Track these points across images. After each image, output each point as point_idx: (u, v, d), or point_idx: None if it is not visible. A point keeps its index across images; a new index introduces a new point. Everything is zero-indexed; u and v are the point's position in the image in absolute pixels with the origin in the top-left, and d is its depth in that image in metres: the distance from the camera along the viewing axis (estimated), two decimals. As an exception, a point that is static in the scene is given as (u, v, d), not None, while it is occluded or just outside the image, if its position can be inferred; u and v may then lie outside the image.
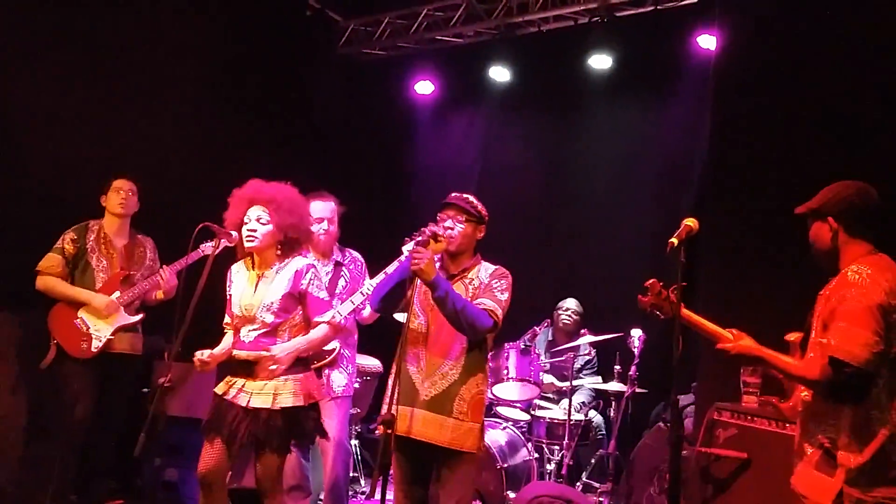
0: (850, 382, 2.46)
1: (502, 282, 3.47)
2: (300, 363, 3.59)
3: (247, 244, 3.59)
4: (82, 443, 4.43)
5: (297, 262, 3.63)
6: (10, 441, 4.64)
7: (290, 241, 3.63)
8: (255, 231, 3.56)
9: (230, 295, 3.70)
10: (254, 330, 3.55)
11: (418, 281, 3.30)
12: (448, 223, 3.42)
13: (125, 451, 4.20)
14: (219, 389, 3.59)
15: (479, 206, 3.52)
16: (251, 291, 3.60)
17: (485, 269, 3.53)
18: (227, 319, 3.74)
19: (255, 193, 3.61)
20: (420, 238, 3.25)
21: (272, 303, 3.53)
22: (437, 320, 3.37)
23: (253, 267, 3.69)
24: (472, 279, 3.47)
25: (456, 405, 3.31)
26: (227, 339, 3.71)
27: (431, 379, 3.33)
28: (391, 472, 3.24)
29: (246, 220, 3.59)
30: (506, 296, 3.44)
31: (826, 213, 2.69)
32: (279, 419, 3.46)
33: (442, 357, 3.35)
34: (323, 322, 3.56)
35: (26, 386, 4.71)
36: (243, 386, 3.52)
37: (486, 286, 3.44)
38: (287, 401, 3.48)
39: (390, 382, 3.28)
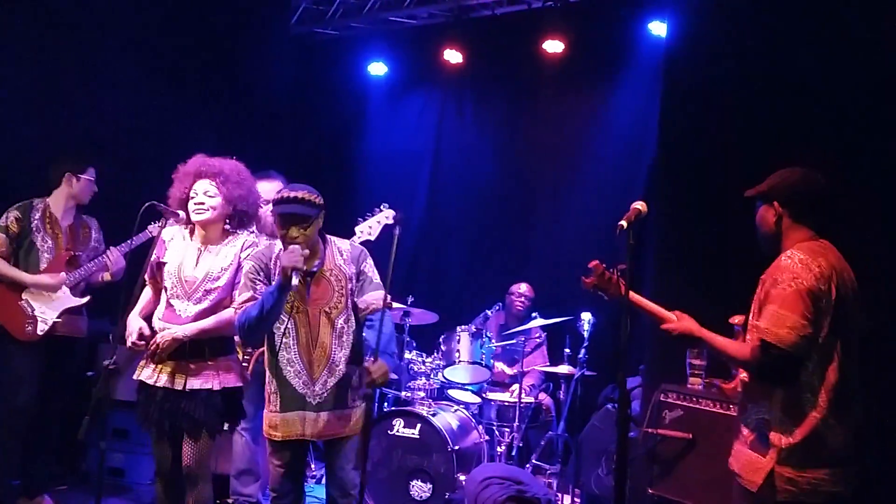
0: (777, 365, 2.52)
1: (368, 262, 3.44)
2: (229, 344, 3.56)
3: (196, 217, 3.51)
4: (25, 427, 4.33)
5: (245, 237, 3.59)
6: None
7: (239, 213, 3.57)
8: (203, 204, 3.49)
9: (162, 260, 3.57)
10: (196, 304, 3.45)
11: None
12: (293, 232, 3.19)
13: (69, 435, 4.11)
14: (144, 376, 3.47)
15: (316, 198, 3.28)
16: (192, 263, 3.51)
17: (338, 253, 3.41)
18: (147, 276, 3.61)
19: (201, 167, 3.55)
20: (293, 283, 3.08)
21: (218, 276, 3.47)
22: (304, 321, 3.29)
23: (191, 238, 3.60)
24: (332, 269, 3.35)
25: (350, 396, 3.34)
26: (146, 297, 3.61)
27: (320, 381, 3.28)
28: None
29: (193, 194, 3.51)
30: (376, 273, 3.44)
31: (772, 197, 2.74)
32: (219, 400, 3.43)
33: (326, 356, 3.29)
34: (237, 304, 3.35)
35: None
36: (174, 369, 3.44)
37: (359, 275, 3.38)
38: (230, 381, 3.47)
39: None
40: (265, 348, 3.40)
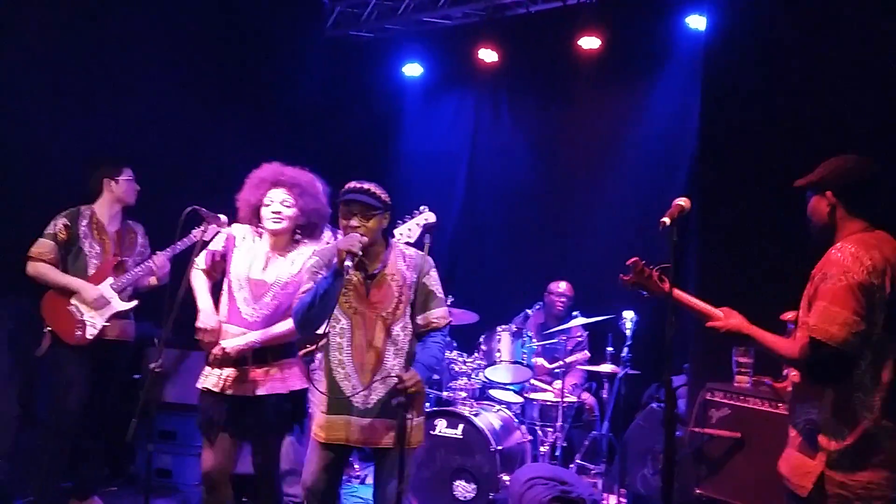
0: (828, 363, 2.42)
1: (432, 274, 3.35)
2: (290, 347, 3.59)
3: (271, 226, 3.54)
4: (75, 430, 4.40)
5: (313, 246, 3.59)
6: (2, 429, 4.61)
7: (310, 225, 3.60)
8: (279, 213, 3.53)
9: (228, 253, 3.60)
10: (262, 309, 3.50)
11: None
12: (354, 222, 3.15)
13: (118, 438, 4.18)
14: (209, 384, 3.49)
15: (383, 195, 3.26)
16: (261, 266, 3.54)
17: (402, 258, 3.34)
18: (203, 265, 3.63)
19: (279, 176, 3.58)
20: (346, 264, 3.01)
21: (287, 283, 3.50)
22: (360, 322, 3.22)
23: (260, 242, 3.63)
24: (393, 275, 3.27)
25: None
26: (208, 315, 3.55)
27: (372, 386, 3.19)
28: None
29: (268, 201, 3.54)
30: (440, 286, 3.37)
31: (825, 186, 2.62)
32: (288, 403, 3.48)
33: (378, 361, 3.21)
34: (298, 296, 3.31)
35: (17, 374, 4.67)
36: (239, 376, 3.46)
37: (420, 286, 3.29)
38: (296, 383, 3.52)
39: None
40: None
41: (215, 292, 3.64)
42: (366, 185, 3.21)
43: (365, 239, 3.11)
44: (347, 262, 2.98)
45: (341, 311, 3.22)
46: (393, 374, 3.18)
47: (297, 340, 3.66)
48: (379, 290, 3.24)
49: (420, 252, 3.41)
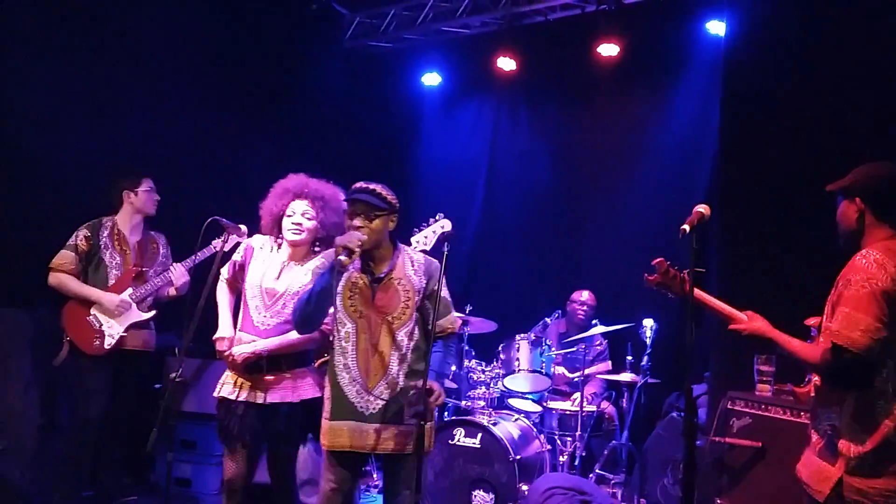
0: (849, 369, 2.43)
1: (442, 280, 3.26)
2: (306, 356, 3.60)
3: (290, 237, 3.58)
4: (95, 439, 4.44)
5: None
6: (24, 438, 4.66)
7: (329, 238, 3.59)
8: (300, 225, 3.56)
9: (245, 263, 3.65)
10: (274, 317, 3.52)
11: (339, 286, 3.19)
12: (357, 221, 3.12)
13: (138, 447, 4.21)
14: (225, 392, 3.53)
15: (389, 196, 3.20)
16: (274, 275, 3.56)
17: (410, 262, 3.30)
18: (226, 275, 3.69)
19: (303, 188, 3.61)
20: (339, 259, 2.97)
21: (299, 292, 3.47)
22: (366, 326, 3.17)
23: (277, 251, 3.66)
24: (401, 279, 3.23)
25: (406, 411, 3.16)
26: (225, 298, 3.66)
27: (377, 390, 3.15)
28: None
29: (290, 212, 3.58)
30: (447, 291, 3.33)
31: (855, 192, 2.63)
32: (300, 412, 3.48)
33: (383, 365, 3.17)
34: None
35: (40, 383, 4.73)
36: (254, 384, 3.50)
37: (434, 294, 3.24)
38: (308, 392, 3.51)
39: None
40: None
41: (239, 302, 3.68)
42: (371, 186, 3.18)
43: (364, 237, 3.06)
44: (342, 257, 2.95)
45: (347, 315, 3.19)
46: (399, 381, 3.16)
47: (314, 350, 3.66)
48: (385, 294, 3.20)
49: (429, 257, 3.38)
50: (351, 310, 3.19)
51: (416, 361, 3.21)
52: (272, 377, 3.50)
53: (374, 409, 3.15)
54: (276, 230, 3.64)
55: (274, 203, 3.63)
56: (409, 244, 4.46)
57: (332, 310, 3.22)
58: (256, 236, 3.72)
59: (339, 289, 3.20)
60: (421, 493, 3.08)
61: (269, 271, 3.59)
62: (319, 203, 3.58)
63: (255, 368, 3.50)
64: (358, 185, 3.20)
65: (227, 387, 3.54)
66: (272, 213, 3.63)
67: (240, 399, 3.49)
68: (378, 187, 3.19)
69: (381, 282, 3.22)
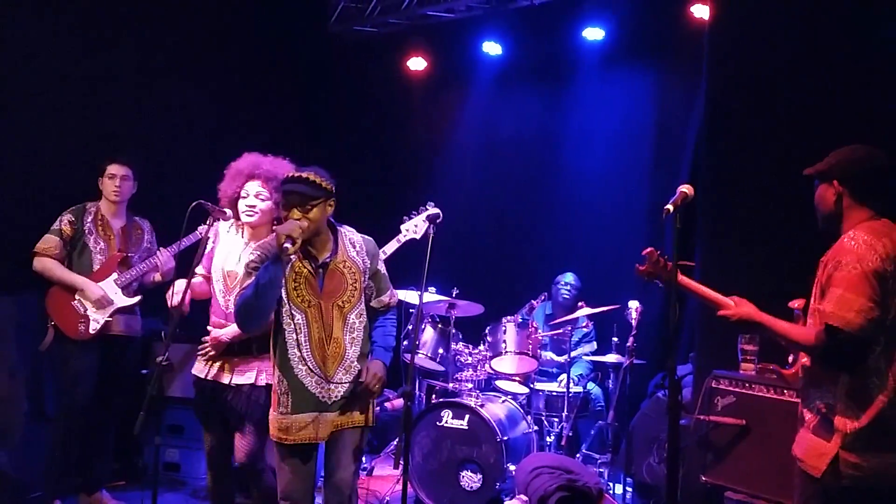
0: (844, 349, 2.46)
1: (380, 257, 3.40)
2: None
3: (245, 219, 3.57)
4: (83, 425, 4.44)
5: None
6: (10, 423, 4.64)
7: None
8: (254, 207, 3.54)
9: (212, 248, 3.66)
10: (233, 301, 3.45)
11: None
12: (294, 214, 3.03)
13: (126, 432, 4.21)
14: (196, 370, 3.60)
15: (324, 182, 3.08)
16: (236, 259, 3.57)
17: (350, 244, 3.24)
18: (200, 270, 3.69)
19: (253, 168, 3.58)
20: (284, 247, 2.91)
21: None
22: (317, 315, 3.10)
23: (241, 234, 3.66)
24: (344, 261, 3.18)
25: (363, 393, 3.19)
26: (179, 285, 3.61)
27: (336, 378, 3.11)
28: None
29: (244, 194, 3.56)
30: (384, 266, 3.43)
31: (832, 175, 2.67)
32: (262, 394, 3.47)
33: (340, 351, 3.13)
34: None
35: (25, 368, 4.71)
36: (222, 364, 3.53)
37: (374, 272, 3.29)
38: (272, 377, 3.43)
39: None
40: (273, 345, 3.19)
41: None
42: (304, 174, 3.07)
43: (305, 224, 2.99)
44: (286, 245, 2.88)
45: (295, 307, 3.08)
46: (354, 364, 3.15)
47: None
48: (331, 280, 3.13)
49: (365, 237, 3.33)
50: (298, 300, 3.09)
51: (366, 340, 3.27)
52: (240, 359, 3.52)
53: (335, 396, 3.12)
54: (235, 212, 3.61)
55: (228, 185, 3.60)
56: (400, 231, 4.46)
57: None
58: (224, 223, 3.71)
59: (284, 279, 3.10)
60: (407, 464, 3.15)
61: (231, 255, 3.60)
62: (273, 183, 3.53)
63: (227, 350, 3.53)
64: (289, 173, 3.11)
65: (199, 365, 3.60)
66: (228, 196, 3.60)
67: (208, 378, 3.54)
68: (311, 174, 3.07)
69: (327, 268, 3.14)
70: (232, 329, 3.49)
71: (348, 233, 3.29)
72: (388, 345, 3.32)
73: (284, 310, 3.09)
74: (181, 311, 3.45)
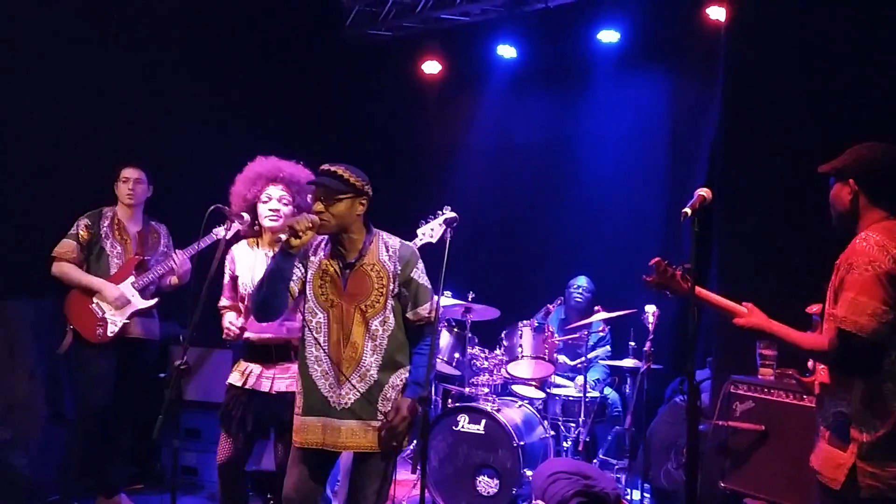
0: (858, 354, 2.41)
1: (419, 266, 3.13)
2: None
3: (268, 224, 3.55)
4: (100, 428, 4.46)
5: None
6: (29, 426, 4.68)
7: None
8: (277, 211, 3.54)
9: (235, 275, 3.64)
10: None
11: (309, 273, 3.06)
12: (317, 206, 2.96)
13: (144, 436, 4.23)
14: (234, 379, 3.57)
15: (355, 179, 2.99)
16: (260, 271, 3.54)
17: (384, 248, 3.12)
18: (224, 302, 3.70)
19: (276, 172, 3.56)
20: (282, 237, 2.85)
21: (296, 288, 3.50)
22: (338, 316, 3.01)
23: (258, 246, 3.64)
24: (374, 264, 3.06)
25: (380, 407, 3.01)
26: (231, 317, 3.65)
27: (349, 384, 2.99)
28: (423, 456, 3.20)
29: (265, 198, 3.55)
30: (426, 277, 3.15)
31: (848, 174, 2.61)
32: None
33: (357, 357, 3.00)
34: None
35: (44, 371, 4.74)
36: (262, 372, 3.52)
37: (409, 281, 3.09)
38: None
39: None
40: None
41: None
42: (334, 168, 2.99)
43: (315, 219, 2.87)
44: (282, 235, 2.81)
45: (318, 305, 3.04)
46: (372, 373, 3.00)
47: None
48: (357, 282, 3.03)
49: (405, 242, 3.21)
50: (322, 298, 3.04)
51: (393, 352, 3.06)
52: (280, 366, 3.51)
53: (346, 403, 2.99)
54: (251, 214, 3.59)
55: (247, 189, 3.58)
56: (416, 236, 4.45)
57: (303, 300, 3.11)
58: (235, 246, 3.69)
59: (310, 277, 3.07)
60: (424, 471, 3.03)
61: (257, 268, 3.55)
62: (295, 187, 3.53)
63: (265, 357, 3.51)
64: (323, 167, 3.04)
65: (235, 374, 3.58)
66: (245, 199, 3.59)
67: (245, 387, 3.51)
68: (341, 169, 2.99)
69: (353, 268, 3.05)
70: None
71: (386, 237, 3.16)
72: (420, 378, 3.05)
73: (308, 306, 3.06)
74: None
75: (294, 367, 3.46)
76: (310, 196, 3.07)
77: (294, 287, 3.05)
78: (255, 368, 3.53)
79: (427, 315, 3.12)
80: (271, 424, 3.54)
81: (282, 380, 3.50)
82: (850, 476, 2.44)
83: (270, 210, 3.53)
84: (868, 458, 2.42)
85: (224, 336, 3.59)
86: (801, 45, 4.45)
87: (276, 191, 3.54)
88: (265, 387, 3.49)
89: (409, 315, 3.11)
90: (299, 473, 3.06)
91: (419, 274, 3.12)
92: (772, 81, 4.58)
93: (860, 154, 2.62)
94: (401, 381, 3.08)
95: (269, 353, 3.52)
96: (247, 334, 3.59)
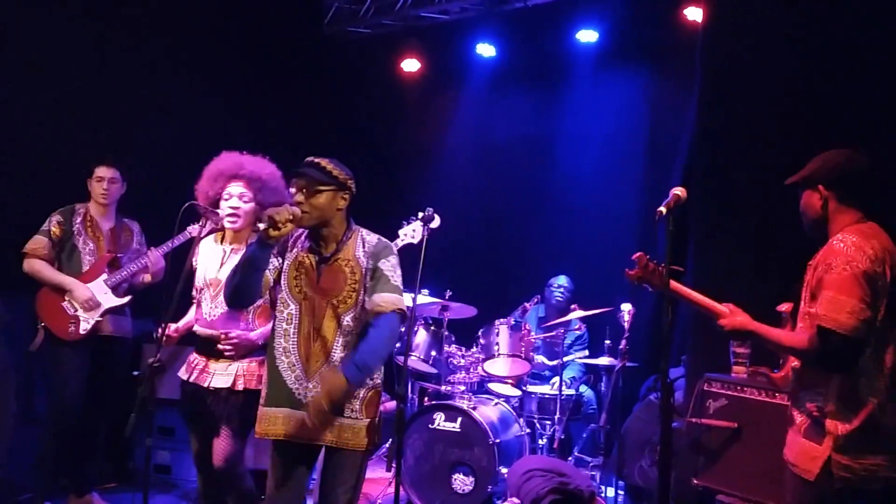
0: (838, 351, 2.46)
1: (390, 260, 3.04)
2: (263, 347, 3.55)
3: (228, 224, 3.52)
4: (73, 426, 4.41)
5: None
6: (2, 425, 4.61)
7: None
8: (237, 209, 3.50)
9: (195, 266, 3.61)
10: (219, 307, 3.47)
11: (286, 264, 3.03)
12: (298, 197, 2.92)
13: (116, 434, 4.18)
14: (181, 373, 3.57)
15: (338, 172, 2.98)
16: (217, 266, 3.53)
17: (361, 244, 3.07)
18: (194, 292, 3.68)
19: (236, 169, 3.52)
20: (260, 227, 2.78)
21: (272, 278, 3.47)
22: (309, 309, 2.98)
23: (222, 241, 3.61)
24: (349, 260, 3.01)
25: (347, 403, 2.94)
26: (191, 313, 3.66)
27: (316, 377, 2.93)
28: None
29: (226, 196, 3.51)
30: (399, 274, 3.05)
31: (816, 180, 2.68)
32: (241, 399, 3.41)
33: (324, 351, 2.96)
34: None
35: (16, 370, 4.68)
36: (205, 366, 3.49)
37: (374, 270, 3.01)
38: (252, 382, 3.41)
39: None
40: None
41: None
42: (318, 160, 2.98)
43: (297, 211, 2.83)
44: (260, 225, 2.78)
45: (291, 296, 3.01)
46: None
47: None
48: (330, 276, 2.99)
49: (383, 239, 3.15)
50: (295, 290, 3.02)
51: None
52: (219, 362, 3.47)
53: (311, 396, 2.92)
54: (214, 211, 3.56)
55: (209, 186, 3.55)
56: (397, 236, 4.44)
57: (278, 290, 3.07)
58: (205, 239, 3.66)
59: (286, 268, 3.04)
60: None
61: (212, 263, 3.55)
62: (257, 184, 3.49)
63: (207, 352, 3.49)
64: (307, 159, 3.01)
65: (183, 367, 3.58)
66: (208, 196, 3.56)
67: (190, 380, 3.50)
68: (325, 162, 2.98)
69: (328, 262, 3.02)
70: (261, 331, 3.46)
71: (365, 234, 3.12)
72: (363, 361, 2.85)
73: (280, 297, 3.04)
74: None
75: (237, 365, 3.44)
76: (293, 188, 3.03)
77: (269, 276, 3.02)
78: (201, 362, 3.50)
79: (383, 304, 2.96)
80: (206, 419, 3.46)
81: (220, 376, 3.44)
82: (825, 468, 2.49)
83: (230, 208, 3.49)
84: (843, 451, 2.48)
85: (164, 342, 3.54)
86: (776, 46, 4.49)
87: (236, 188, 3.50)
88: (204, 381, 3.45)
89: (367, 304, 2.99)
90: (278, 470, 3.04)
91: (388, 267, 3.03)
92: (747, 82, 4.62)
93: (825, 160, 2.69)
94: (370, 380, 3.02)
95: (210, 350, 3.47)
96: (195, 327, 3.56)
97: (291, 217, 2.80)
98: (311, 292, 3.01)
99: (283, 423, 2.97)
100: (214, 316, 3.49)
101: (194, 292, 3.66)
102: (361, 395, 3.01)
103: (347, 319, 2.99)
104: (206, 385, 3.45)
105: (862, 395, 2.48)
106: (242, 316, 3.49)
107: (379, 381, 3.09)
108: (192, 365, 3.54)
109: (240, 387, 3.43)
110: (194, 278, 3.63)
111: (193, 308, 3.68)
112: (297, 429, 2.95)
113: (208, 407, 3.46)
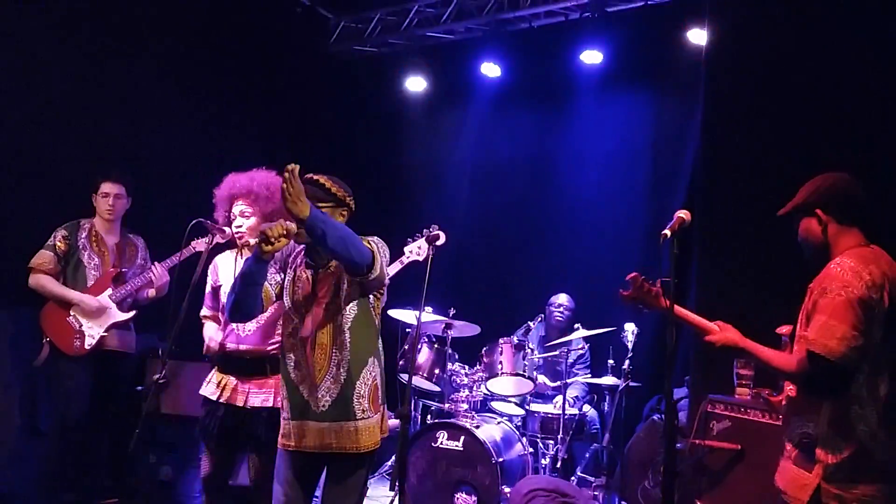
0: (825, 376, 2.42)
1: (374, 239, 3.03)
2: None
3: (240, 241, 3.62)
4: (76, 441, 4.41)
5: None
6: (4, 439, 4.63)
7: None
8: (241, 226, 3.58)
9: (218, 285, 3.66)
10: (254, 322, 3.49)
11: (287, 280, 3.06)
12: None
13: (120, 449, 4.19)
14: (208, 392, 3.56)
15: (335, 188, 3.02)
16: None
17: None
18: (205, 311, 3.71)
19: (232, 189, 3.62)
20: (251, 243, 2.82)
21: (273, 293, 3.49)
22: (310, 321, 3.02)
23: (241, 255, 3.66)
24: (342, 271, 3.03)
25: (356, 405, 3.01)
26: (212, 331, 3.67)
27: (324, 386, 2.99)
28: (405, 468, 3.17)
29: (233, 217, 3.60)
30: (384, 253, 3.01)
31: (813, 205, 2.64)
32: (277, 416, 3.41)
33: (326, 358, 3.00)
34: None
35: (20, 384, 4.69)
36: (237, 385, 3.51)
37: None
38: None
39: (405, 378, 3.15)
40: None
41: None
42: (317, 177, 3.01)
43: (292, 226, 2.78)
44: (251, 241, 2.79)
45: (294, 311, 3.06)
46: (342, 372, 2.97)
47: None
48: (324, 284, 3.03)
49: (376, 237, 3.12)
50: (297, 304, 3.06)
51: (359, 347, 3.02)
52: (255, 381, 3.50)
53: (323, 405, 2.99)
54: (221, 230, 3.72)
55: (220, 213, 3.69)
56: (403, 253, 4.44)
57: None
58: (220, 255, 3.74)
59: (286, 283, 3.08)
60: (403, 488, 3.02)
61: (230, 277, 3.58)
62: (251, 197, 3.57)
63: (239, 371, 3.50)
64: (306, 175, 2.99)
65: (211, 386, 3.56)
66: (223, 219, 3.69)
67: (220, 401, 3.50)
68: (324, 178, 3.01)
69: (322, 274, 3.04)
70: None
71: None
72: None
73: (285, 313, 3.09)
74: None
75: (270, 381, 3.49)
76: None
77: (271, 291, 3.07)
78: (231, 381, 3.52)
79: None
80: (246, 440, 3.51)
81: (256, 395, 3.49)
82: (815, 497, 2.45)
83: (236, 227, 3.61)
84: (833, 480, 2.44)
85: (204, 351, 3.59)
86: (781, 67, 4.52)
87: (238, 207, 3.61)
88: (240, 401, 3.48)
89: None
90: (285, 475, 3.07)
91: (371, 241, 2.99)
92: (750, 104, 4.64)
93: (818, 185, 2.66)
94: (371, 376, 3.06)
95: (244, 366, 3.50)
96: (228, 344, 3.57)
97: (286, 232, 2.78)
98: (310, 304, 3.04)
99: (301, 434, 3.01)
100: (249, 331, 3.51)
101: (207, 311, 3.68)
102: (365, 393, 3.03)
103: (340, 320, 3.00)
104: (242, 405, 3.47)
105: (853, 424, 2.43)
106: (276, 331, 3.49)
107: (377, 371, 3.10)
108: (221, 384, 3.53)
109: (279, 403, 3.44)
110: (203, 293, 3.65)
111: (210, 324, 3.69)
112: (313, 439, 3.00)
113: (245, 427, 3.47)
